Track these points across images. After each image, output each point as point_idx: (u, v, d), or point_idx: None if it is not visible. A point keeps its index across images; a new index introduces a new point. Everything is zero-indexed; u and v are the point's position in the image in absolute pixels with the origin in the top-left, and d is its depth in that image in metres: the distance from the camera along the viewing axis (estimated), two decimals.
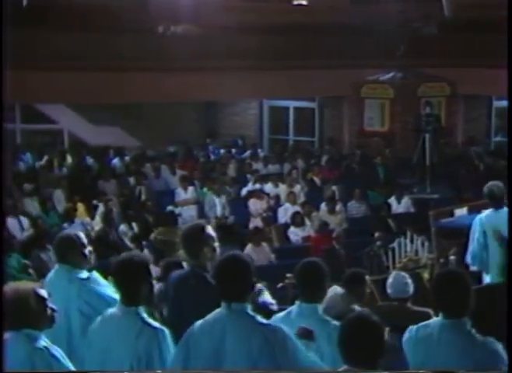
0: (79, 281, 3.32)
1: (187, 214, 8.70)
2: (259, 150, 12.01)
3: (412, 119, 10.70)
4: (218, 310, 2.56)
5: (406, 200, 9.28)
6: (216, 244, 3.18)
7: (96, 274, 3.40)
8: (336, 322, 2.74)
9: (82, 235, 3.48)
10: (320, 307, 2.91)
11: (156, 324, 2.64)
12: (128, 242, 7.76)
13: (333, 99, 12.46)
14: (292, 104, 13.03)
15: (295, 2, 12.56)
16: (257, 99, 13.00)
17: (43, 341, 2.47)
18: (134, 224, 8.10)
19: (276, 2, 12.21)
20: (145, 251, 7.60)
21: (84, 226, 7.99)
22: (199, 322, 2.58)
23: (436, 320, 2.77)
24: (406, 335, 2.78)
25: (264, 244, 7.61)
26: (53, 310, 2.53)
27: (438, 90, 11.53)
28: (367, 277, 4.01)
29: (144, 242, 7.66)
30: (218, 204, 8.87)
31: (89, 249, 3.44)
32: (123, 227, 8.07)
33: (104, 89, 9.80)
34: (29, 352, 2.38)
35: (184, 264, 4.13)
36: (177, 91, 10.45)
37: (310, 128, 13.12)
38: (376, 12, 11.35)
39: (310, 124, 13.10)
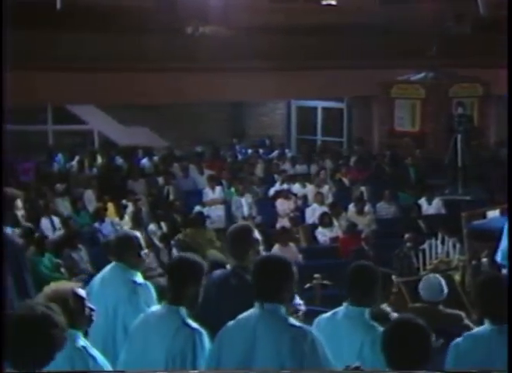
0: (133, 285, 3.35)
1: (215, 214, 8.74)
2: (287, 150, 11.97)
3: (444, 119, 10.52)
4: (251, 310, 2.56)
5: (437, 202, 9.13)
6: (261, 247, 3.22)
7: (150, 285, 3.43)
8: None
9: (139, 236, 3.53)
10: (367, 311, 2.88)
11: (194, 325, 2.64)
12: (156, 242, 7.82)
13: (362, 99, 12.35)
14: (320, 104, 12.97)
15: (324, 2, 12.49)
16: (285, 100, 12.97)
17: (82, 341, 2.50)
18: (162, 224, 8.15)
19: (304, 3, 12.17)
20: (174, 250, 7.68)
21: (114, 226, 8.08)
22: (232, 322, 2.59)
23: (483, 328, 2.72)
24: (453, 349, 2.72)
25: (291, 244, 7.60)
26: (91, 309, 2.55)
27: (471, 91, 11.32)
28: (394, 277, 3.95)
29: (172, 242, 7.73)
30: (245, 204, 8.89)
31: (145, 251, 3.51)
32: (152, 226, 8.13)
33: (133, 90, 9.91)
34: (69, 352, 2.38)
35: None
36: (205, 91, 10.50)
37: (338, 128, 13.03)
38: (407, 11, 11.21)
39: (338, 124, 13.00)
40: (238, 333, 2.54)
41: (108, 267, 3.52)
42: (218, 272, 3.28)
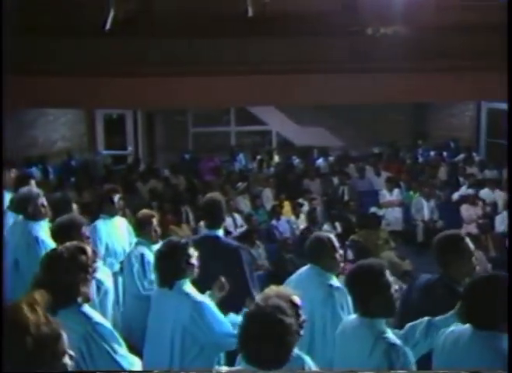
0: (329, 289, 3.34)
1: (392, 216, 8.42)
2: (474, 154, 11.05)
3: None
4: (464, 326, 2.39)
5: None
6: (475, 257, 2.99)
7: (344, 288, 3.35)
8: None
9: (334, 238, 3.51)
10: None
11: (392, 339, 2.45)
12: None
13: None
14: None
15: None
16: (475, 101, 12.02)
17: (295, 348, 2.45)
18: (337, 224, 8.03)
19: None
20: (348, 252, 7.49)
21: (290, 224, 8.17)
22: (449, 331, 2.47)
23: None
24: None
25: (478, 252, 6.92)
26: (304, 321, 2.49)
27: None
28: None
29: (347, 242, 7.55)
30: (425, 208, 8.38)
31: (340, 252, 3.47)
32: (326, 226, 8.05)
33: (311, 91, 9.96)
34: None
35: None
36: (384, 92, 10.15)
37: None
38: None
39: None
40: (447, 345, 2.41)
41: (304, 269, 3.51)
42: (424, 278, 3.12)
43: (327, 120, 11.76)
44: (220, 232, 3.73)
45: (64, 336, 1.65)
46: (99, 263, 3.62)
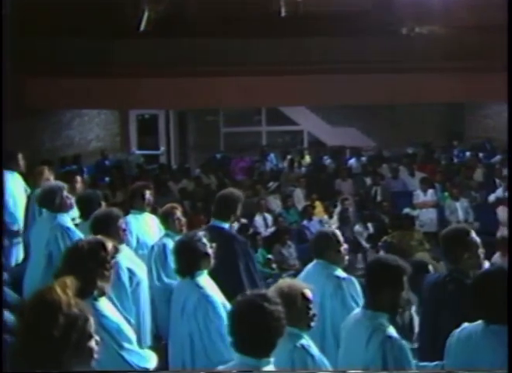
0: (337, 280, 3.39)
1: (426, 217, 8.31)
2: None
3: None
4: (476, 323, 2.40)
5: None
6: (481, 250, 2.99)
7: (354, 279, 3.45)
8: None
9: (338, 233, 3.59)
10: None
11: (390, 332, 2.47)
12: (363, 242, 7.65)
13: None
14: None
15: None
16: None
17: (305, 339, 2.50)
18: (369, 225, 7.96)
19: None
20: (381, 252, 7.41)
21: (322, 224, 8.13)
22: (458, 331, 2.46)
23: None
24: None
25: None
26: (314, 315, 2.56)
27: None
28: None
29: (379, 243, 7.48)
30: (459, 209, 8.25)
31: (344, 247, 3.53)
32: (358, 227, 7.99)
33: (344, 91, 9.91)
34: (290, 350, 2.42)
35: (430, 267, 4.11)
36: (419, 92, 10.02)
37: None
38: None
39: None
40: (461, 345, 2.41)
41: (311, 265, 3.58)
42: (434, 275, 3.15)
43: (358, 119, 11.69)
44: (226, 225, 3.82)
45: (92, 320, 1.68)
46: (132, 254, 3.68)
